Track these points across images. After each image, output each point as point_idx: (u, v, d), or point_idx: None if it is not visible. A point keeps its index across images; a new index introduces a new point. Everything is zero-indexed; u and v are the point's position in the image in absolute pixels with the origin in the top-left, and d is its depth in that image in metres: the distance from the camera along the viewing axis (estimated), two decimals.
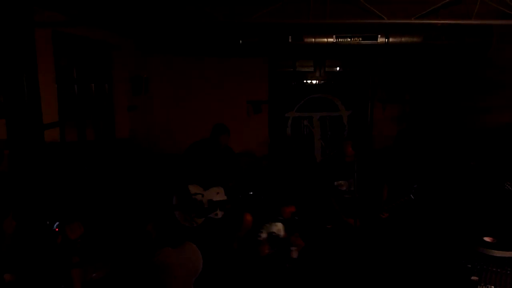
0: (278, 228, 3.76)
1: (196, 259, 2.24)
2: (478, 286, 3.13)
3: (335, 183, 4.38)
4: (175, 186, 4.27)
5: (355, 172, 4.06)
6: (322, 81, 7.27)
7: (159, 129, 6.99)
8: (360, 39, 5.12)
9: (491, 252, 3.33)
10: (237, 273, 3.76)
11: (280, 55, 7.00)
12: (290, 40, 5.27)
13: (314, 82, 7.29)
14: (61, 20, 4.08)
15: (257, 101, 7.12)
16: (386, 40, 5.16)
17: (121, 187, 4.25)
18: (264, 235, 3.71)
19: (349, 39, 5.12)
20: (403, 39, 5.17)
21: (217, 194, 4.28)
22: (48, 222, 2.03)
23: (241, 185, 4.51)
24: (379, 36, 5.13)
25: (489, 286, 3.11)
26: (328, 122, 7.34)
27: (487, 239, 3.45)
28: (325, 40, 5.22)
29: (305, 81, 7.28)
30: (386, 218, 4.10)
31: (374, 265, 3.83)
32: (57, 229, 2.11)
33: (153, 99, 6.97)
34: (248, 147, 7.10)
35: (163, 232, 2.31)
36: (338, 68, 7.28)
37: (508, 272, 3.19)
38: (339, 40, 5.14)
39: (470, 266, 3.28)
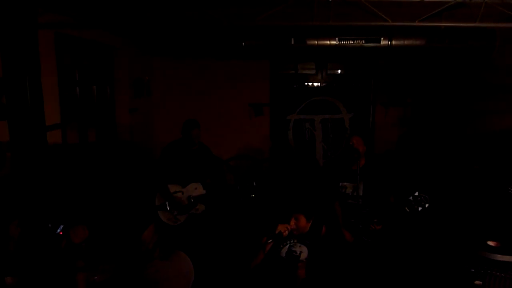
0: (302, 250, 3.59)
1: (188, 270, 2.14)
2: None
3: (340, 184, 4.11)
4: (155, 186, 4.39)
5: (365, 176, 3.95)
6: (324, 84, 7.26)
7: (161, 131, 6.97)
8: (363, 42, 5.11)
9: (495, 257, 3.30)
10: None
11: (282, 57, 7.00)
12: (292, 43, 5.27)
13: (316, 84, 7.28)
14: (63, 21, 4.07)
15: (258, 104, 7.11)
16: (389, 42, 5.15)
17: (122, 189, 4.23)
18: (284, 250, 3.59)
19: (352, 42, 5.11)
20: (406, 42, 5.16)
21: (195, 190, 4.41)
22: (50, 225, 2.01)
23: (220, 182, 4.67)
24: (382, 38, 5.13)
25: None
26: (330, 124, 7.32)
27: (491, 243, 3.43)
28: (328, 42, 5.21)
29: (307, 83, 7.27)
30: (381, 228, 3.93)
31: (376, 269, 3.80)
32: (61, 233, 2.08)
33: (155, 101, 6.96)
34: (249, 149, 7.08)
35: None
36: (340, 71, 7.28)
37: None
38: (342, 42, 5.14)
39: (473, 270, 3.26)
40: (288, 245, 3.58)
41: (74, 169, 3.66)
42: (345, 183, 4.09)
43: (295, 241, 3.58)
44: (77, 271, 1.99)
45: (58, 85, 4.17)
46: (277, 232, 3.42)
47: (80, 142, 4.83)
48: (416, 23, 3.64)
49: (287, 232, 3.47)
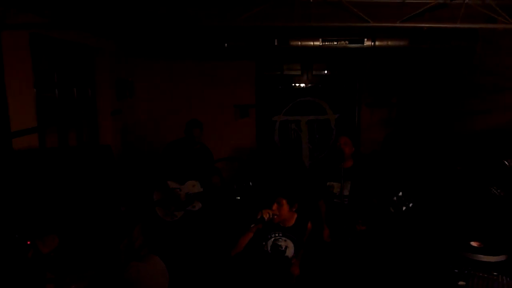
0: (287, 245, 3.56)
1: (163, 270, 2.18)
2: None
3: (327, 183, 4.12)
4: (155, 183, 4.53)
5: (353, 176, 3.94)
6: (309, 85, 7.24)
7: (145, 134, 6.87)
8: (347, 43, 5.11)
9: (478, 257, 3.30)
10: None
11: (266, 58, 6.97)
12: (276, 43, 5.24)
13: (301, 85, 7.26)
14: (40, 22, 3.95)
15: (244, 105, 7.06)
16: (373, 43, 5.15)
17: (103, 194, 4.12)
18: (269, 243, 3.54)
19: (336, 43, 5.10)
20: (389, 43, 5.17)
21: (193, 187, 4.53)
22: (17, 236, 1.92)
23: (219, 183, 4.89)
24: (366, 39, 5.13)
25: None
26: (315, 125, 7.31)
27: (474, 244, 3.43)
28: (311, 43, 5.19)
29: (292, 84, 7.25)
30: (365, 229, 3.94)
31: (360, 271, 3.78)
32: (28, 242, 1.99)
33: (139, 103, 6.86)
34: (235, 151, 7.02)
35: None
36: (325, 72, 7.27)
37: (495, 277, 3.16)
38: (325, 43, 5.12)
39: (457, 271, 3.25)
40: (272, 239, 3.55)
41: (51, 175, 3.55)
42: (332, 183, 4.11)
43: (280, 234, 3.54)
44: (45, 282, 1.91)
45: (35, 88, 4.06)
46: (259, 217, 3.41)
47: (59, 146, 4.71)
48: (397, 24, 3.62)
49: (267, 215, 3.43)
